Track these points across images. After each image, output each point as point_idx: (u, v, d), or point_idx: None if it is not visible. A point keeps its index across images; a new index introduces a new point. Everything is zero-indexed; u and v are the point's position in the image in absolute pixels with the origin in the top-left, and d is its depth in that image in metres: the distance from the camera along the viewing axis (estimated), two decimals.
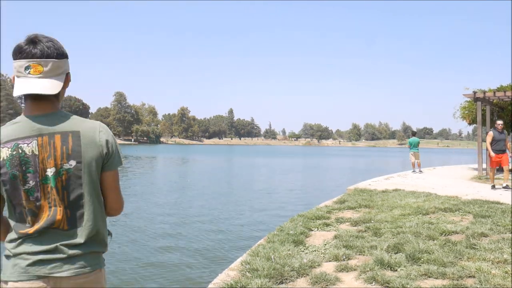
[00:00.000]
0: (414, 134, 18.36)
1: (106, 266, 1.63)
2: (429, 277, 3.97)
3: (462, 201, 8.22)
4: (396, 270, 4.14)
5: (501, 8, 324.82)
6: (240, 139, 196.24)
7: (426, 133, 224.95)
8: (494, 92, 15.35)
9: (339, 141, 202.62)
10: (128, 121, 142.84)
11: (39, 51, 1.56)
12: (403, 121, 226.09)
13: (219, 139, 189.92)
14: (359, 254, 4.78)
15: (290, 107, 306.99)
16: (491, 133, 11.50)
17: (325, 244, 5.22)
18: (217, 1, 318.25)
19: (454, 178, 14.72)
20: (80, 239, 1.55)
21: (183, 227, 9.84)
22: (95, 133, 1.59)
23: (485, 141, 16.28)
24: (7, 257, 1.54)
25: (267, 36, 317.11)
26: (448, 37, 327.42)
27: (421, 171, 16.89)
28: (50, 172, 1.52)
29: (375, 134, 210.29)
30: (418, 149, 17.29)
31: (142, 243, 8.35)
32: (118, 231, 9.30)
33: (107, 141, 1.61)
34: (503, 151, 11.30)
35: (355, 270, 4.24)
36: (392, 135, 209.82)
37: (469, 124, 19.03)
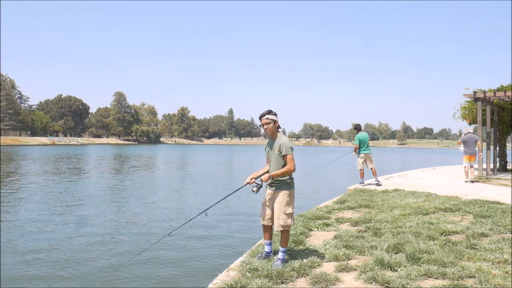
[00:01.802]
0: (359, 128, 11.96)
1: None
2: (429, 277, 3.96)
3: (462, 201, 8.21)
4: (396, 270, 4.13)
5: (501, 8, 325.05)
6: (240, 139, 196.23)
7: (426, 133, 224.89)
8: (495, 92, 15.34)
9: (339, 141, 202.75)
10: (128, 121, 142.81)
11: None
12: (403, 121, 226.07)
13: (219, 139, 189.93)
14: (359, 254, 4.77)
15: (290, 107, 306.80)
16: None
17: (325, 244, 5.22)
18: (217, 1, 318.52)
19: (454, 178, 14.70)
20: None
21: (182, 226, 9.83)
22: None
23: (485, 141, 16.35)
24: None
25: (267, 36, 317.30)
26: (448, 37, 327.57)
27: (379, 183, 11.53)
28: None
29: (375, 134, 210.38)
30: (370, 150, 11.89)
31: (139, 242, 8.35)
32: (119, 229, 9.32)
33: None
34: None
35: (355, 270, 4.23)
36: (392, 135, 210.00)
37: (470, 124, 18.99)
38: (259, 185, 4.41)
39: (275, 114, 4.44)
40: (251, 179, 4.44)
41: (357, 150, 11.77)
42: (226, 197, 4.97)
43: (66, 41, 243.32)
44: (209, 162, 40.91)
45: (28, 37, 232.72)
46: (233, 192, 4.74)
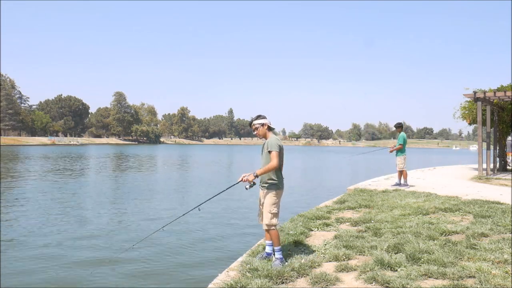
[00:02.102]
0: (402, 127, 11.76)
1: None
2: (429, 277, 3.96)
3: (462, 201, 8.21)
4: (396, 270, 4.13)
5: (501, 8, 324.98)
6: (240, 139, 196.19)
7: (426, 133, 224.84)
8: (495, 92, 15.34)
9: (339, 141, 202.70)
10: (127, 121, 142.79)
11: None
12: (403, 121, 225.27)
13: (219, 139, 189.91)
14: (359, 254, 4.77)
15: (290, 107, 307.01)
16: None
17: (325, 244, 5.22)
18: (217, 0, 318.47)
19: (454, 178, 14.71)
20: None
21: (182, 226, 9.84)
22: None
23: (485, 141, 16.34)
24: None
25: (267, 36, 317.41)
26: (448, 37, 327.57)
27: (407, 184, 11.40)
28: None
29: (375, 134, 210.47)
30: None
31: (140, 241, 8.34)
32: (124, 228, 9.32)
33: None
34: None
35: (355, 270, 4.23)
36: (392, 135, 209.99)
37: (469, 124, 19.00)
38: (251, 183, 4.55)
39: (263, 118, 4.70)
40: (243, 176, 4.57)
41: (397, 150, 11.31)
42: (219, 193, 4.95)
43: (66, 41, 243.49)
44: (212, 161, 40.92)
45: (28, 37, 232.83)
46: (227, 189, 4.81)
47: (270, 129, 4.70)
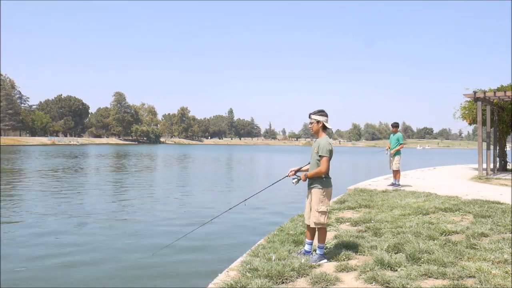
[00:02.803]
0: (398, 126, 11.60)
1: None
2: (429, 277, 3.96)
3: (462, 201, 8.20)
4: (396, 270, 4.13)
5: (501, 8, 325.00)
6: (240, 139, 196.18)
7: (426, 133, 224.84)
8: (495, 92, 15.34)
9: (339, 141, 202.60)
10: (127, 121, 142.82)
11: None
12: (403, 121, 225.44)
13: (219, 139, 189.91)
14: (359, 254, 4.77)
15: (290, 107, 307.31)
16: None
17: (325, 244, 5.21)
18: (217, 0, 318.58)
19: (454, 178, 14.70)
20: None
21: (182, 224, 9.83)
22: None
23: (485, 141, 16.33)
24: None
25: (267, 36, 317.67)
26: (449, 37, 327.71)
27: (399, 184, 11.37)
28: None
29: (375, 134, 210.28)
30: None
31: (140, 241, 8.34)
32: (122, 228, 9.33)
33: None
34: None
35: (355, 270, 4.23)
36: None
37: (470, 124, 19.00)
38: (298, 178, 4.59)
39: (322, 115, 4.59)
40: (290, 171, 4.71)
41: (394, 150, 11.20)
42: (266, 188, 5.15)
43: (66, 41, 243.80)
44: (218, 160, 40.94)
45: (28, 37, 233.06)
46: (273, 184, 4.97)
47: (325, 128, 4.62)
